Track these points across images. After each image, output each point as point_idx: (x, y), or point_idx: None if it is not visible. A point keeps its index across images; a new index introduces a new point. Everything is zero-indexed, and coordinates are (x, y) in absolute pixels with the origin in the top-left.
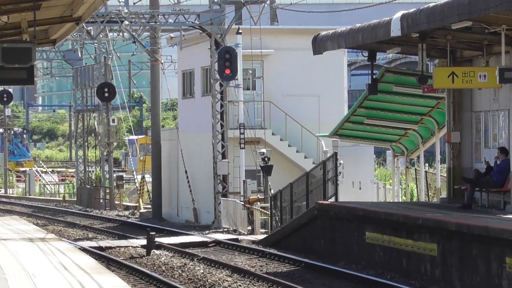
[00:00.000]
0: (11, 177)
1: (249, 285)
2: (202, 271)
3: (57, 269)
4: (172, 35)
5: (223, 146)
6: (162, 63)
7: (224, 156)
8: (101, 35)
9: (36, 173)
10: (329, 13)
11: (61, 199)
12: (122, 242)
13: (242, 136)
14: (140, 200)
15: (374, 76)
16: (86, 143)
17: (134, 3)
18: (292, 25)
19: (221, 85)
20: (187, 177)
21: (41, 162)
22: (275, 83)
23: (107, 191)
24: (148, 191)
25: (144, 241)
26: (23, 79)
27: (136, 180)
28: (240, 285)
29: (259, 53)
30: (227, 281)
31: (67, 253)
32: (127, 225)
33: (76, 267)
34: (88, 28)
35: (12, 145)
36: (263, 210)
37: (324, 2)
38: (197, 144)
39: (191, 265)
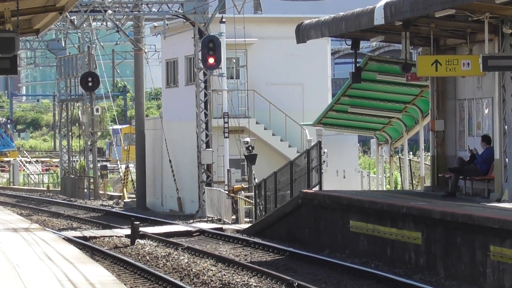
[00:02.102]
0: None
1: (234, 274)
2: (186, 260)
3: (41, 259)
4: (155, 24)
5: (207, 135)
6: (145, 52)
7: (208, 145)
8: (84, 25)
9: (20, 163)
10: (313, 2)
11: (45, 189)
12: (106, 232)
13: (226, 125)
14: (124, 189)
15: (357, 65)
16: (70, 133)
17: None
18: (276, 13)
19: (205, 74)
20: (171, 167)
21: (25, 152)
22: (259, 72)
23: (91, 181)
24: (132, 180)
25: (128, 231)
26: (6, 69)
27: (120, 170)
28: (224, 274)
29: (243, 42)
30: (212, 270)
31: (51, 243)
32: (111, 214)
33: (60, 257)
34: (72, 18)
35: None
36: (247, 199)
37: None
38: (181, 133)
39: (176, 255)
